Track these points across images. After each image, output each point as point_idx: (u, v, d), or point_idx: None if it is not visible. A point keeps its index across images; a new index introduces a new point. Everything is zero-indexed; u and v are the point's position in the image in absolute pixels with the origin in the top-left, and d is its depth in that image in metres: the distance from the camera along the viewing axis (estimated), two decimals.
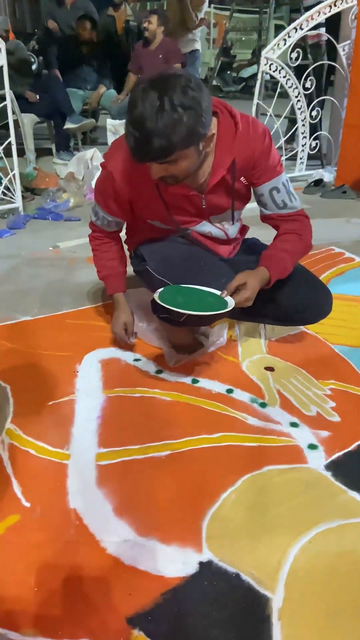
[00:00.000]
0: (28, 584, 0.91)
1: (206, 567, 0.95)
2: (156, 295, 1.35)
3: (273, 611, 0.88)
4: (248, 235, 1.75)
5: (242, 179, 1.45)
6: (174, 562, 0.96)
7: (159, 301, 1.32)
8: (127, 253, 1.70)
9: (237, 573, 0.94)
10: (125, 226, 1.69)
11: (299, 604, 0.89)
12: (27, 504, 1.08)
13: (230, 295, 1.37)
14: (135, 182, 1.41)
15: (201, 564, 0.96)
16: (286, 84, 3.42)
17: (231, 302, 1.34)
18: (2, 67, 2.58)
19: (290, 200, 1.49)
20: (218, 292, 1.38)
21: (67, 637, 0.83)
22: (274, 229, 1.56)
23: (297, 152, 3.76)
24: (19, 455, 1.22)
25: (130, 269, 1.67)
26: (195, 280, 1.41)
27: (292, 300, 1.57)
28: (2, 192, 2.83)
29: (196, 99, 1.17)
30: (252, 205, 1.57)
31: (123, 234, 1.71)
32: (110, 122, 3.89)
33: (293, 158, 3.78)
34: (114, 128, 3.85)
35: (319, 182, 3.63)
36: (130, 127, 1.18)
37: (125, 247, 1.70)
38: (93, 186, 2.77)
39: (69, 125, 4.12)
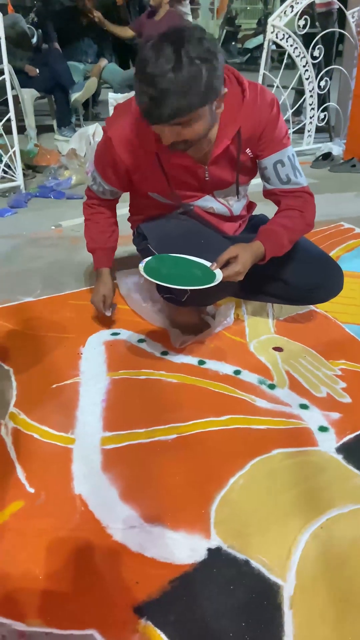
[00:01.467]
0: (32, 573, 0.90)
1: (215, 554, 0.93)
2: (141, 265, 1.30)
3: (284, 599, 0.85)
4: (256, 211, 1.69)
5: (247, 150, 1.38)
6: (182, 549, 0.94)
7: (142, 272, 1.27)
8: (131, 231, 1.65)
9: (247, 560, 0.92)
10: (128, 204, 1.63)
11: (311, 592, 0.87)
12: (32, 490, 1.06)
13: (220, 268, 1.31)
14: (136, 151, 1.35)
15: (210, 550, 0.94)
16: (293, 52, 3.30)
17: (219, 276, 1.28)
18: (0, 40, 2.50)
19: (295, 176, 1.42)
20: (208, 264, 1.32)
21: (73, 627, 0.81)
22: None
23: (304, 124, 3.65)
24: (23, 440, 1.19)
25: (132, 248, 1.63)
26: (195, 257, 1.36)
27: (302, 278, 1.52)
28: (3, 170, 2.77)
29: (212, 51, 1.09)
30: (257, 181, 1.51)
31: (126, 212, 1.66)
32: (112, 96, 3.77)
33: (300, 131, 3.68)
34: (116, 102, 3.72)
35: (327, 156, 3.54)
36: (144, 85, 1.09)
37: (129, 224, 1.65)
38: None
39: (74, 95, 4.02)
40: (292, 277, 1.52)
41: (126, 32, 4.36)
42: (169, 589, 0.87)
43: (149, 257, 1.34)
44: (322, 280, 1.54)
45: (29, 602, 0.85)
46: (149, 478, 1.09)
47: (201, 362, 1.47)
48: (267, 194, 1.48)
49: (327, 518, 1.00)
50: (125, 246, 2.01)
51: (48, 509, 1.02)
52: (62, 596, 0.86)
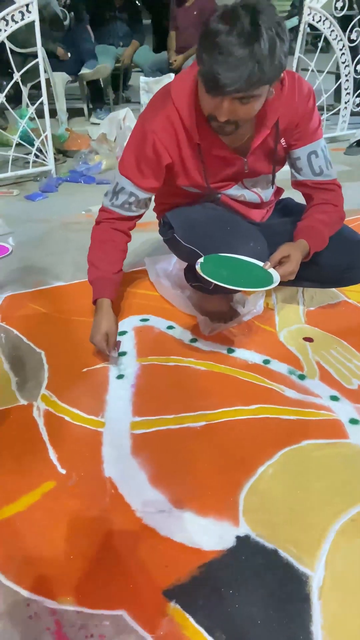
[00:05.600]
0: (64, 551, 0.92)
1: (243, 542, 0.94)
2: (198, 267, 1.27)
3: (313, 590, 0.85)
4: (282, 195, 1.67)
5: (282, 140, 1.36)
6: (211, 535, 0.95)
7: (204, 275, 1.24)
8: (157, 221, 1.63)
9: (276, 549, 0.92)
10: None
11: (341, 584, 0.86)
12: (63, 471, 1.08)
13: (274, 267, 1.31)
14: (179, 142, 1.31)
15: (238, 538, 0.94)
16: (330, 35, 3.21)
17: (276, 277, 1.28)
18: (33, 23, 2.49)
19: (327, 168, 1.42)
20: (260, 264, 1.32)
21: (103, 607, 0.83)
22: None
23: (339, 109, 3.56)
24: (54, 422, 1.21)
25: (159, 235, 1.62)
26: (222, 245, 1.34)
27: (335, 259, 1.49)
28: (35, 154, 2.79)
29: (283, 26, 1.07)
30: (285, 168, 1.48)
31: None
32: (143, 80, 3.74)
33: (335, 116, 3.59)
34: (147, 86, 3.70)
35: None
36: (216, 53, 1.05)
37: (154, 214, 1.63)
38: None
39: (84, 70, 3.96)
40: (325, 258, 1.48)
41: (172, 37, 4.29)
42: (198, 574, 0.88)
43: (201, 259, 1.31)
44: (355, 260, 1.52)
45: (61, 580, 0.87)
46: (177, 464, 1.10)
47: (230, 351, 1.46)
48: (297, 184, 1.47)
49: (358, 511, 0.99)
50: (153, 232, 2.00)
51: (79, 490, 1.04)
52: (92, 576, 0.88)
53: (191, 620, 0.81)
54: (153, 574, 0.88)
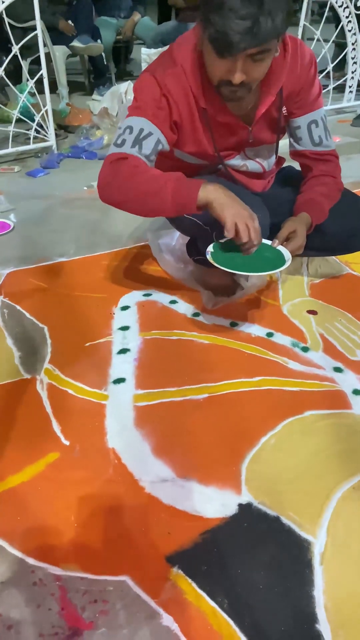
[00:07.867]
0: (68, 520, 0.93)
1: (246, 509, 0.94)
2: (209, 257, 1.26)
3: (315, 556, 0.86)
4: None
5: (283, 109, 1.34)
6: (213, 503, 0.95)
7: (218, 266, 1.23)
8: None
9: (278, 516, 0.93)
10: None
11: (342, 550, 0.87)
12: (67, 442, 1.09)
13: (282, 244, 1.31)
14: (188, 104, 1.26)
15: (240, 505, 0.95)
16: (336, 2, 3.12)
17: (287, 255, 1.28)
18: None
19: (326, 138, 1.40)
20: (268, 242, 1.31)
21: (107, 573, 0.84)
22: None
23: (346, 79, 3.48)
24: (58, 395, 1.22)
25: None
26: None
27: (339, 225, 1.46)
28: (35, 130, 2.75)
29: None
30: (284, 141, 1.46)
31: None
32: (145, 52, 3.64)
33: (341, 87, 3.51)
34: (149, 58, 3.62)
35: None
36: (225, 11, 1.02)
37: None
38: None
39: (75, 43, 3.87)
40: (328, 225, 1.45)
41: None
42: (200, 541, 0.89)
43: (210, 247, 1.29)
44: (358, 225, 1.49)
45: (65, 548, 0.88)
46: (180, 435, 1.11)
47: (233, 324, 1.46)
48: (296, 155, 1.45)
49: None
50: None
51: (83, 461, 1.05)
52: (96, 543, 0.89)
53: (193, 585, 0.82)
54: (156, 541, 0.89)
